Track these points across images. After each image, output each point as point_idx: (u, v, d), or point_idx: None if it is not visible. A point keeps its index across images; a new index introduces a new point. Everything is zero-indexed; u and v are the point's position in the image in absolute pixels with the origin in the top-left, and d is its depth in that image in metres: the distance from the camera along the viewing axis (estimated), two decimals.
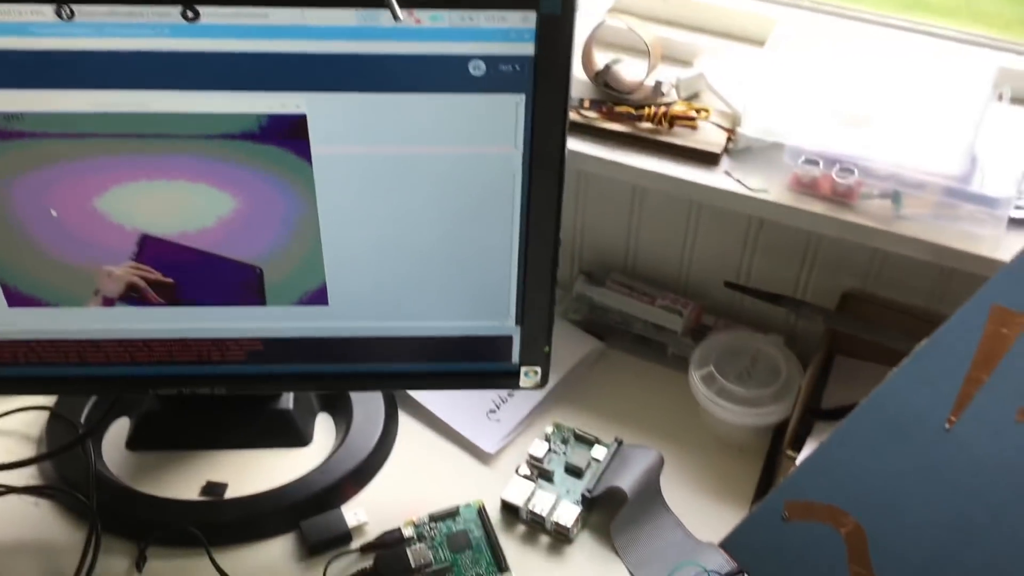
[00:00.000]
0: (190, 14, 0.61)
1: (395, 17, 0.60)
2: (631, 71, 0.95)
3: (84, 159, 0.68)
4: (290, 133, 0.67)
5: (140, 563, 0.81)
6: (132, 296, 0.76)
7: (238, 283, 0.75)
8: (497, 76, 0.65)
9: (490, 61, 0.64)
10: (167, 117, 0.66)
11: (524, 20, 0.62)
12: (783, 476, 0.83)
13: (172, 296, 0.76)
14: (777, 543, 0.75)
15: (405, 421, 0.96)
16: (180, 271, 0.74)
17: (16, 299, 0.75)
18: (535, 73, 0.65)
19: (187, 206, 0.71)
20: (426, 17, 0.62)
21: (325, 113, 0.66)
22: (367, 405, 0.94)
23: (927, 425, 0.71)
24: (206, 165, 0.68)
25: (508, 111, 0.67)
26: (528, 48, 0.64)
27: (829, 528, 0.73)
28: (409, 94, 0.66)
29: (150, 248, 0.73)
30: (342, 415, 0.94)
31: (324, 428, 0.95)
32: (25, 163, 0.67)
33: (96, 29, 0.61)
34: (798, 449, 0.85)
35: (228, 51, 0.63)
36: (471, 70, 0.65)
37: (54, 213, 0.70)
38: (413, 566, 0.82)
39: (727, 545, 0.77)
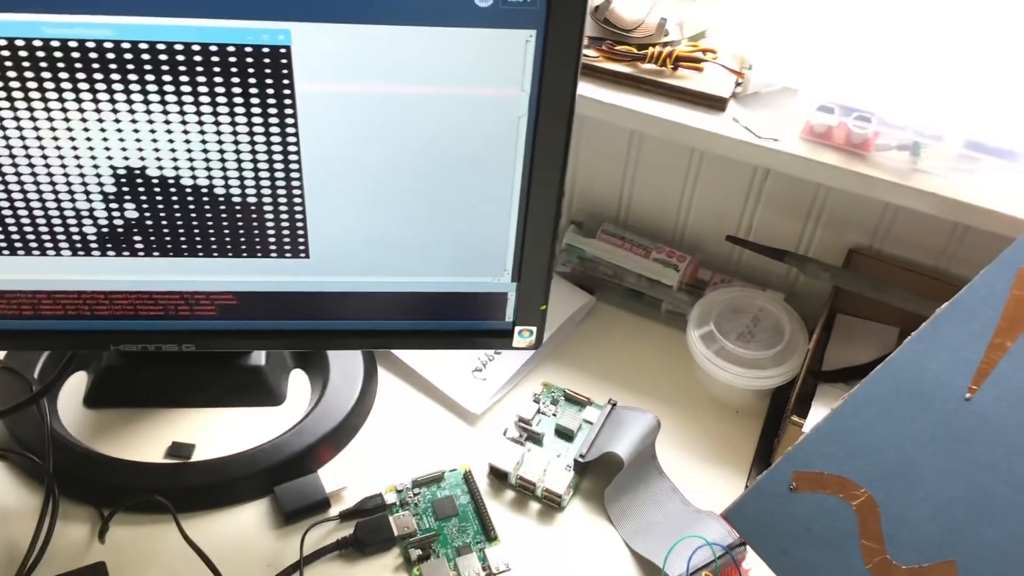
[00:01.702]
0: None
1: None
2: (632, 7, 0.88)
3: (51, 88, 0.60)
4: (272, 67, 0.60)
5: (103, 531, 0.75)
6: (94, 244, 0.68)
7: (211, 233, 0.68)
8: (506, 9, 0.58)
9: None
10: (142, 45, 0.58)
11: None
12: (788, 443, 0.79)
13: (139, 244, 0.69)
14: (783, 515, 0.71)
15: (385, 379, 0.90)
16: (151, 213, 0.67)
17: None
18: (549, 5, 0.58)
19: (160, 142, 0.63)
20: None
21: (311, 45, 0.59)
22: (344, 362, 0.88)
23: (946, 394, 0.68)
24: (181, 98, 0.61)
25: (516, 49, 0.60)
26: None
27: (839, 500, 0.70)
28: (406, 27, 0.59)
29: (119, 187, 0.66)
30: (318, 372, 0.89)
31: (298, 386, 0.89)
32: None
33: None
34: (803, 414, 0.81)
35: None
36: (477, 1, 0.58)
37: (15, 144, 0.62)
38: (396, 534, 0.77)
39: (730, 516, 0.73)
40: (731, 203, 0.93)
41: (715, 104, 0.84)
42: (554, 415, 0.86)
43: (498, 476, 0.82)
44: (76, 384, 0.86)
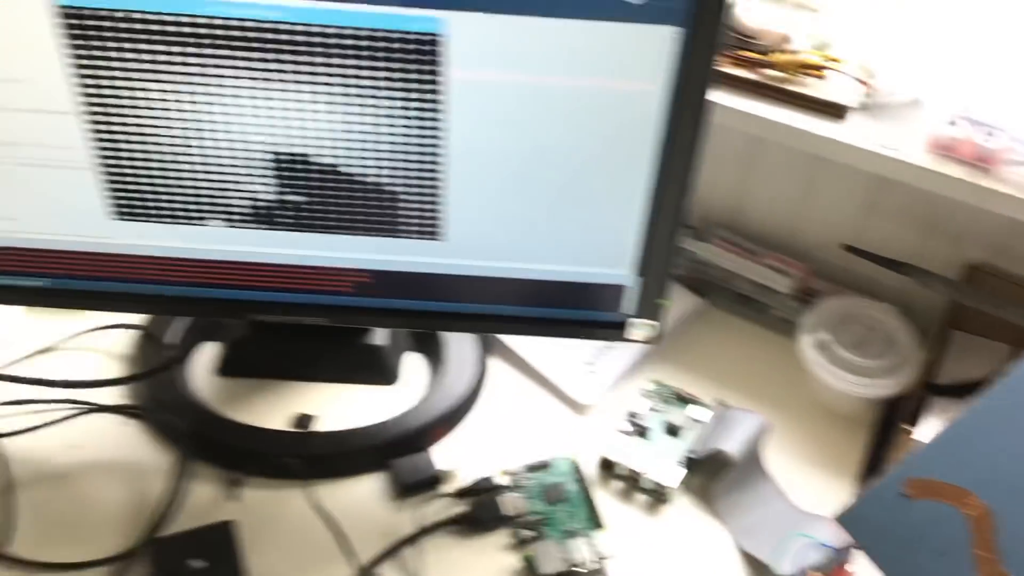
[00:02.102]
0: None
1: None
2: (758, 15, 0.89)
3: (213, 64, 0.64)
4: (426, 54, 0.63)
5: (235, 490, 0.79)
6: (247, 218, 0.73)
7: (354, 212, 0.72)
8: (655, 5, 0.60)
9: None
10: (306, 28, 0.62)
11: None
12: (900, 451, 0.79)
13: (287, 219, 0.73)
14: (896, 521, 0.71)
15: (498, 367, 0.93)
16: (302, 192, 0.71)
17: (122, 211, 0.72)
18: (695, 5, 0.60)
19: (317, 125, 0.67)
20: None
21: (466, 34, 0.62)
22: (459, 348, 0.91)
23: None
24: (337, 83, 0.65)
25: (659, 45, 0.62)
26: None
27: (954, 509, 0.70)
28: (558, 19, 0.61)
29: (265, 169, 0.70)
30: (433, 356, 0.92)
31: (412, 368, 0.92)
32: (155, 60, 0.64)
33: None
34: (914, 424, 0.81)
35: None
36: None
37: (184, 123, 0.67)
38: (507, 514, 0.79)
39: (842, 520, 0.74)
40: (847, 213, 0.94)
41: (837, 112, 0.85)
42: (663, 412, 0.88)
43: (606, 467, 0.84)
44: (208, 354, 0.91)
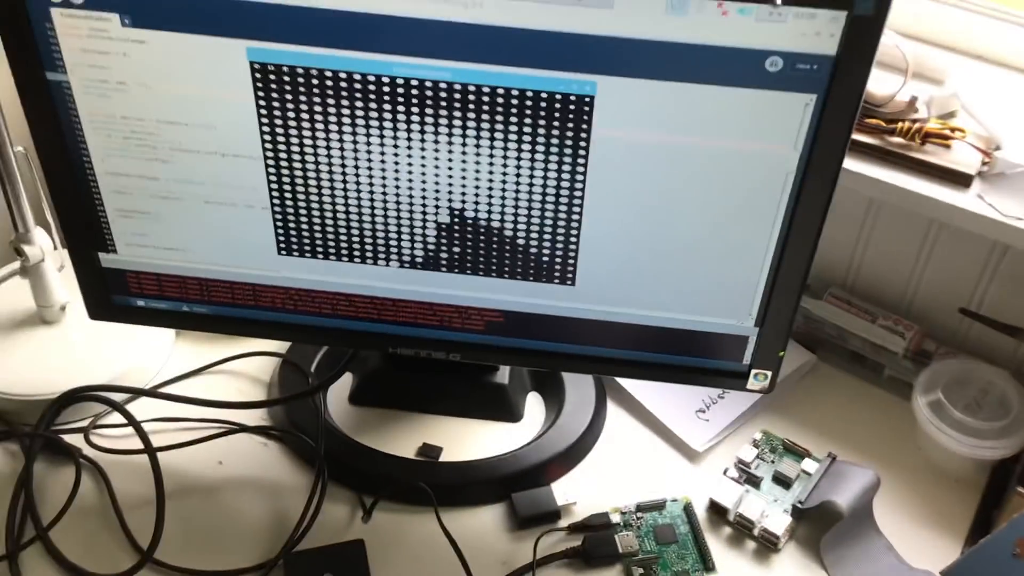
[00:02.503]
0: None
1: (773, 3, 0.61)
2: (885, 84, 0.93)
3: (385, 120, 0.71)
4: (576, 114, 0.69)
5: (368, 513, 0.85)
6: (404, 261, 0.79)
7: (495, 256, 0.77)
8: (793, 74, 0.65)
9: (789, 58, 0.64)
10: (472, 88, 0.68)
11: (833, 20, 0.62)
12: (1011, 513, 0.80)
13: (430, 263, 0.79)
14: None
15: (614, 411, 0.97)
16: (443, 240, 0.77)
17: (288, 248, 0.79)
18: (833, 74, 0.64)
19: (478, 177, 0.73)
20: (734, 9, 0.62)
21: (614, 96, 0.68)
22: (579, 389, 0.95)
23: None
24: (499, 139, 0.70)
25: (796, 111, 0.67)
26: (831, 47, 0.63)
27: None
28: (700, 85, 0.66)
29: (419, 215, 0.76)
30: (553, 396, 0.96)
31: (532, 407, 0.97)
32: (331, 113, 0.71)
33: None
34: None
35: (529, 27, 0.65)
36: (767, 66, 0.65)
37: (356, 175, 0.74)
38: (620, 552, 0.83)
39: (949, 575, 0.75)
40: (964, 277, 0.96)
41: (960, 180, 0.87)
42: (773, 462, 0.91)
43: (717, 512, 0.87)
44: (342, 385, 0.97)
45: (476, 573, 0.80)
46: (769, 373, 0.83)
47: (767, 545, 0.85)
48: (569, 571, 0.83)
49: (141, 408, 0.92)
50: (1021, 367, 0.97)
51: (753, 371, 0.83)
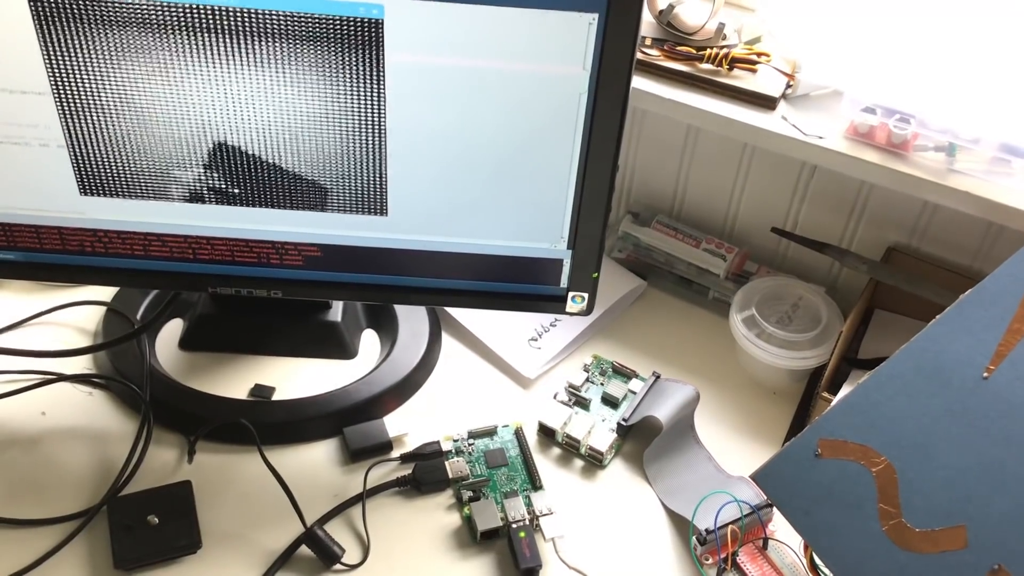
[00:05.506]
0: None
1: None
2: (694, 12, 0.95)
3: (175, 48, 0.70)
4: (366, 38, 0.69)
5: (191, 454, 0.84)
6: (202, 193, 0.78)
7: (302, 188, 0.77)
8: None
9: None
10: (254, 13, 0.68)
11: None
12: (818, 416, 0.84)
13: (240, 194, 0.78)
14: (808, 478, 0.76)
15: (449, 343, 0.98)
16: (247, 172, 0.76)
17: (90, 187, 0.77)
18: None
19: (269, 106, 0.72)
20: None
21: (403, 19, 0.68)
22: (412, 324, 0.96)
23: (965, 373, 0.72)
24: (278, 65, 0.70)
25: (580, 30, 0.68)
26: None
27: (860, 467, 0.75)
28: (487, 7, 0.67)
29: (220, 147, 0.75)
30: (387, 332, 0.97)
31: (369, 344, 0.97)
32: (120, 42, 0.69)
33: None
34: (834, 393, 0.86)
35: None
36: None
37: (139, 101, 0.72)
38: (450, 477, 0.84)
39: (758, 478, 0.79)
40: (778, 198, 1.00)
41: (766, 103, 0.91)
42: (602, 384, 0.93)
43: (546, 433, 0.90)
44: (172, 330, 0.96)
45: (307, 506, 0.81)
46: (586, 295, 0.85)
47: (593, 462, 0.88)
48: (401, 499, 0.84)
49: None
50: (835, 283, 1.01)
51: (571, 294, 0.85)
